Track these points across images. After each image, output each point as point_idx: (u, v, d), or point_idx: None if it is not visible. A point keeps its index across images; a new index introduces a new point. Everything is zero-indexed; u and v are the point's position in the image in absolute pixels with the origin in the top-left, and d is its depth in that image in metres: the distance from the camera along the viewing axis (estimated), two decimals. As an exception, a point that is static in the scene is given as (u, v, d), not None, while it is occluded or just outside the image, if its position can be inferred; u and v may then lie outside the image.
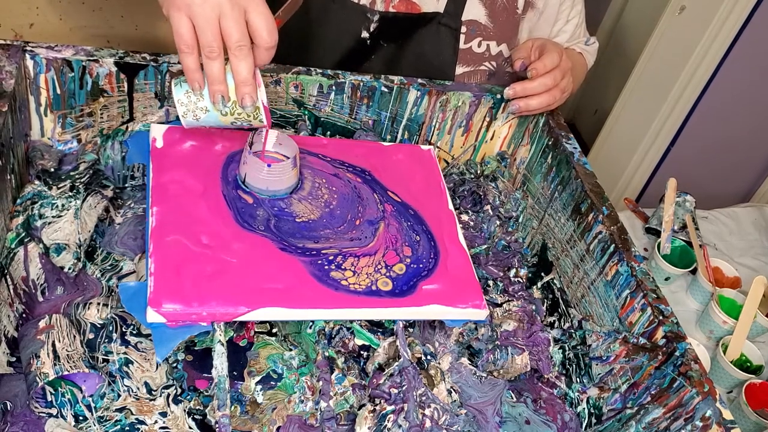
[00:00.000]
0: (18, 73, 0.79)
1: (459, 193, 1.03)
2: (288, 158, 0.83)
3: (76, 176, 0.85)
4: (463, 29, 1.05)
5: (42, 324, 0.70)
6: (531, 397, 0.84)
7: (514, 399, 0.83)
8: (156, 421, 0.71)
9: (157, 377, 0.74)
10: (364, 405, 0.75)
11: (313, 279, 0.76)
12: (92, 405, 0.70)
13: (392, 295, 0.77)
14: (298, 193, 0.85)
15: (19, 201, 0.81)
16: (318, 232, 0.81)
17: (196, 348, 0.78)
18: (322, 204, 0.85)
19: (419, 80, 0.98)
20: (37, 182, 0.83)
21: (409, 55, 1.06)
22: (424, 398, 0.75)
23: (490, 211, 1.01)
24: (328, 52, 1.06)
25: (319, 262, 0.78)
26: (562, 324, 0.91)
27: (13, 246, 0.77)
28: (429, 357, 0.81)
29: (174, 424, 0.71)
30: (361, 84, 0.95)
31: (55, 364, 0.67)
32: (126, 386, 0.72)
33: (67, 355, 0.68)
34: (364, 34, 1.05)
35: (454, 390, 0.79)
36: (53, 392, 0.69)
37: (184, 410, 0.72)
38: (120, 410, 0.71)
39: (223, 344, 0.71)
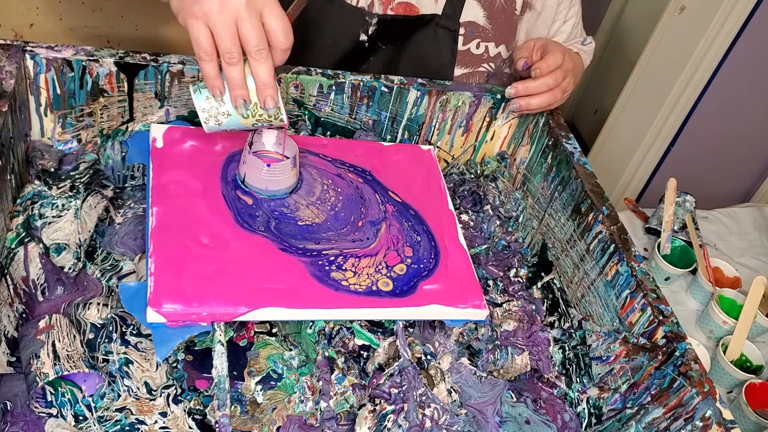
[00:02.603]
0: (18, 73, 0.80)
1: (459, 193, 1.03)
2: (288, 158, 0.83)
3: (76, 176, 0.85)
4: (462, 31, 1.05)
5: (42, 324, 0.70)
6: (531, 397, 0.84)
7: (514, 399, 0.83)
8: (156, 421, 0.71)
9: (157, 377, 0.74)
10: (364, 405, 0.75)
11: (313, 279, 0.76)
12: (92, 405, 0.70)
13: (392, 296, 0.77)
14: (307, 198, 0.85)
15: (19, 201, 0.81)
16: (320, 234, 0.81)
17: (196, 348, 0.78)
18: (328, 207, 0.85)
19: (419, 80, 0.98)
20: (37, 182, 0.83)
21: (408, 58, 1.06)
22: (424, 398, 0.75)
23: (490, 211, 1.01)
24: (326, 55, 1.06)
25: (320, 262, 0.78)
26: (562, 324, 0.91)
27: (13, 246, 0.77)
28: (429, 357, 0.81)
29: (174, 424, 0.71)
30: (361, 84, 0.95)
31: (55, 364, 0.67)
32: (126, 386, 0.72)
33: (67, 355, 0.68)
34: (363, 37, 1.05)
35: (454, 390, 0.79)
36: (53, 392, 0.69)
37: (184, 410, 0.72)
38: (120, 410, 0.71)
39: (223, 344, 0.71)
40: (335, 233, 0.82)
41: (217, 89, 0.74)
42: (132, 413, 0.71)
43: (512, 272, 0.97)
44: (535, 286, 0.97)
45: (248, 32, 0.70)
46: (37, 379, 0.66)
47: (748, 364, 1.31)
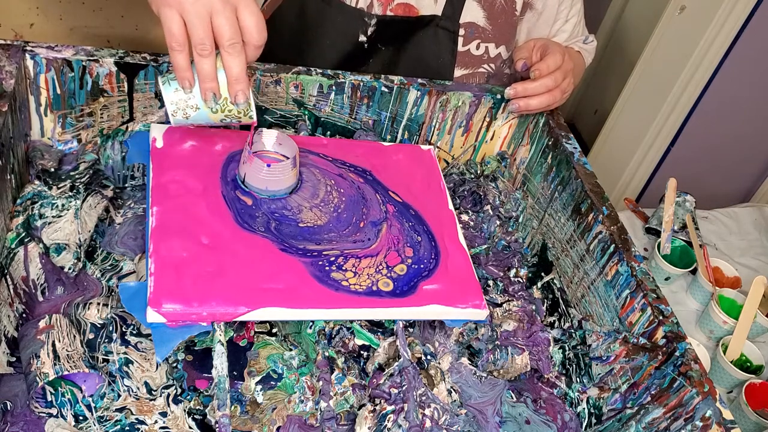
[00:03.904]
0: (18, 73, 0.80)
1: (459, 193, 1.03)
2: (288, 158, 0.83)
3: (76, 176, 0.85)
4: (462, 32, 1.05)
5: (42, 324, 0.70)
6: (531, 397, 0.84)
7: (514, 399, 0.83)
8: (156, 421, 0.71)
9: (157, 377, 0.74)
10: (364, 405, 0.75)
11: (313, 279, 0.76)
12: (92, 405, 0.70)
13: (393, 296, 0.77)
14: (311, 201, 0.84)
15: (19, 201, 0.81)
16: (322, 235, 0.81)
17: (196, 348, 0.78)
18: (331, 209, 0.85)
19: (419, 80, 0.98)
20: (37, 182, 0.83)
21: (408, 59, 1.06)
22: (424, 398, 0.75)
23: (490, 211, 1.01)
24: (325, 57, 1.06)
25: (320, 262, 0.78)
26: (562, 324, 0.91)
27: (13, 246, 0.77)
28: (429, 357, 0.81)
29: (174, 424, 0.71)
30: (361, 84, 0.95)
31: (55, 364, 0.67)
32: (126, 386, 0.72)
33: (67, 355, 0.68)
34: (362, 38, 1.05)
35: (454, 390, 0.79)
36: (53, 392, 0.69)
37: (184, 410, 0.72)
38: (120, 410, 0.71)
39: (223, 344, 0.71)
40: (337, 234, 0.82)
41: (187, 81, 0.73)
42: (132, 413, 0.71)
43: (512, 272, 0.97)
44: (535, 286, 0.97)
45: (222, 25, 0.69)
46: (37, 379, 0.66)
47: (748, 364, 1.31)
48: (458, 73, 1.08)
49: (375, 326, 0.81)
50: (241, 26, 0.71)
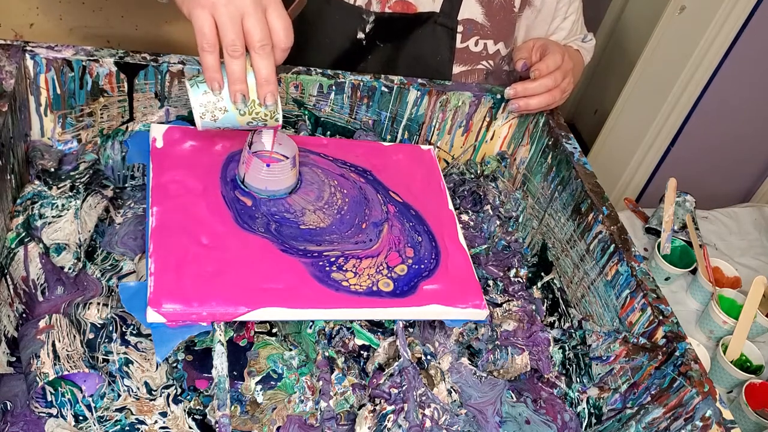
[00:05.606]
0: (18, 73, 0.80)
1: (459, 193, 1.03)
2: (287, 158, 0.83)
3: (76, 176, 0.85)
4: (460, 28, 1.05)
5: (42, 324, 0.70)
6: (531, 397, 0.84)
7: (514, 399, 0.83)
8: (156, 421, 0.71)
9: (157, 377, 0.74)
10: (364, 405, 0.75)
11: (313, 280, 0.76)
12: (92, 405, 0.70)
13: (393, 296, 0.77)
14: (315, 203, 0.84)
15: (19, 201, 0.81)
16: (323, 237, 0.81)
17: (196, 348, 0.78)
18: (335, 211, 0.85)
19: (419, 80, 0.98)
20: (37, 182, 0.83)
21: (406, 56, 1.06)
22: (424, 398, 0.75)
23: (490, 211, 1.01)
24: (323, 54, 1.06)
25: (321, 263, 0.78)
26: (562, 324, 0.91)
27: (13, 246, 0.77)
28: (429, 357, 0.81)
29: (174, 424, 0.71)
30: (361, 84, 0.95)
31: (55, 364, 0.67)
32: (126, 386, 0.72)
33: (67, 355, 0.68)
34: (360, 35, 1.05)
35: (454, 390, 0.79)
36: (53, 392, 0.69)
37: (184, 410, 0.72)
38: (120, 410, 0.71)
39: (223, 344, 0.71)
40: (339, 236, 0.82)
41: (216, 82, 0.74)
42: (132, 413, 0.71)
43: (512, 272, 0.97)
44: (535, 286, 0.97)
45: (253, 27, 0.70)
46: (37, 379, 0.66)
47: (748, 364, 1.31)
48: (457, 69, 1.08)
49: (375, 326, 0.81)
50: (269, 28, 0.72)
